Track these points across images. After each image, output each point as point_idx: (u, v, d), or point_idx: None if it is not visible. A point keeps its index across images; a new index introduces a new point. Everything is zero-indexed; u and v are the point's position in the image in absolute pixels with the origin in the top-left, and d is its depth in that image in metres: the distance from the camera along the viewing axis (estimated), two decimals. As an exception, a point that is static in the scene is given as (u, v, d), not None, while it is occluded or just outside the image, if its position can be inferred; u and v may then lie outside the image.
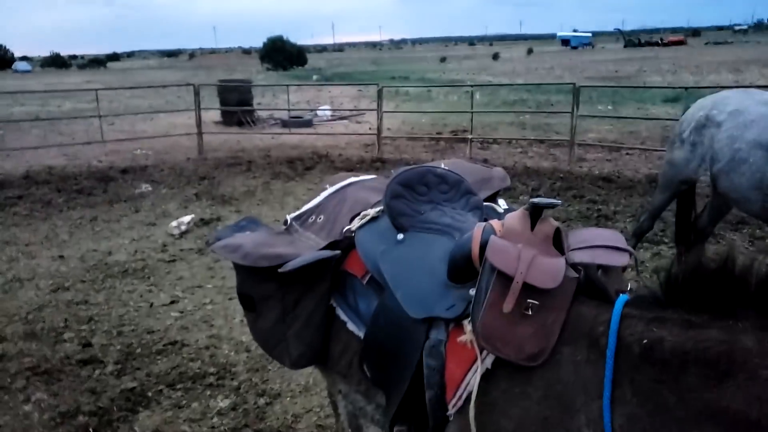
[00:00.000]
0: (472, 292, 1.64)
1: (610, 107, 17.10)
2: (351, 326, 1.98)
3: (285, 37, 52.37)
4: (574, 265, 1.59)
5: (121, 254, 6.47)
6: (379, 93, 12.09)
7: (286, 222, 2.34)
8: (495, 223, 1.69)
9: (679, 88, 13.47)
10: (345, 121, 16.76)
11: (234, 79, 19.89)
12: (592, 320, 1.47)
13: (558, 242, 1.63)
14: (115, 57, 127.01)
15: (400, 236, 1.93)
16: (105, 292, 5.48)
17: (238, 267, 2.14)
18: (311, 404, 3.73)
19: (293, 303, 2.03)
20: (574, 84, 11.15)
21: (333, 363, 2.10)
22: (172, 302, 5.24)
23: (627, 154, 11.28)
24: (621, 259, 1.66)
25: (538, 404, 1.50)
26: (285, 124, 15.43)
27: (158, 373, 4.07)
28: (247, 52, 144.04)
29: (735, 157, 4.14)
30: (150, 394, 3.82)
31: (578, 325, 1.49)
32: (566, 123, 11.46)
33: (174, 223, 7.22)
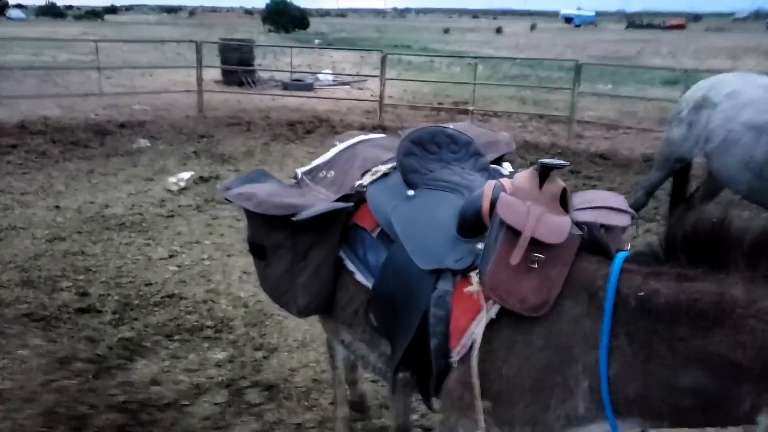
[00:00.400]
0: (481, 246, 1.71)
1: (610, 86, 17.07)
2: (359, 276, 2.04)
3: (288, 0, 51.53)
4: (578, 224, 1.65)
5: (118, 207, 6.47)
6: (383, 60, 12.00)
7: (296, 176, 2.38)
8: (505, 181, 1.75)
9: (679, 69, 13.45)
10: (347, 86, 16.63)
11: (236, 38, 19.57)
12: (593, 275, 1.55)
13: (564, 202, 1.69)
14: (112, 10, 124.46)
15: (411, 192, 1.99)
16: (102, 243, 5.51)
17: (250, 216, 2.19)
18: (308, 359, 3.82)
19: (303, 252, 2.08)
20: (576, 61, 11.13)
21: (338, 312, 2.17)
22: (170, 256, 5.28)
23: (624, 133, 11.33)
24: (623, 220, 1.74)
25: (538, 352, 1.58)
26: (286, 86, 15.31)
27: (156, 324, 4.13)
28: (249, 12, 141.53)
29: (728, 138, 4.22)
30: (148, 344, 3.89)
31: (580, 279, 1.56)
32: (566, 100, 11.46)
33: (173, 179, 7.22)
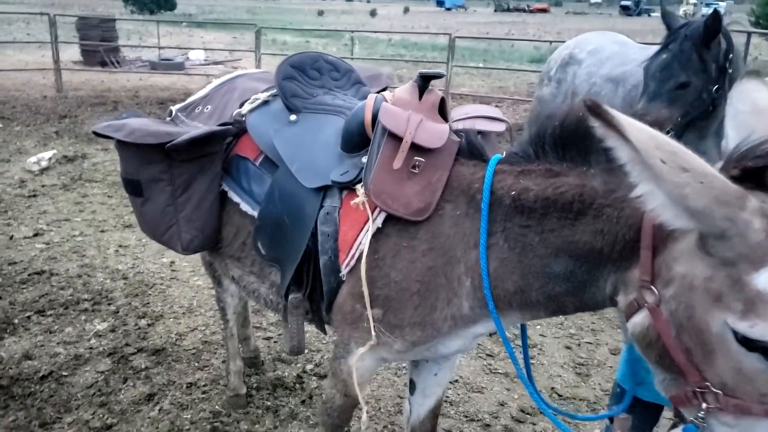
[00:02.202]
0: (365, 159, 1.75)
1: (481, 64, 17.90)
2: (245, 206, 2.01)
3: (151, -22, 48.19)
4: (456, 131, 1.74)
5: (-31, 190, 5.84)
6: (257, 34, 11.72)
7: (170, 113, 2.29)
8: (386, 93, 1.80)
9: (545, 41, 14.44)
10: (220, 65, 15.99)
11: (96, 15, 18.06)
12: (470, 178, 1.64)
13: (443, 111, 1.78)
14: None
15: (293, 117, 1.99)
16: (-48, 227, 4.95)
17: (122, 149, 2.06)
18: (196, 323, 3.71)
19: (184, 185, 2.01)
20: (450, 35, 11.54)
21: (226, 246, 2.13)
22: (36, 235, 4.86)
23: (497, 105, 11.96)
24: (498, 126, 1.86)
25: (423, 256, 1.65)
26: (154, 66, 14.37)
27: (24, 301, 3.81)
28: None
29: (591, 91, 4.59)
30: (16, 321, 3.58)
31: (458, 182, 1.65)
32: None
33: (33, 159, 6.61)
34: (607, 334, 3.91)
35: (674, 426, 1.39)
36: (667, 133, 1.16)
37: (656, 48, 3.49)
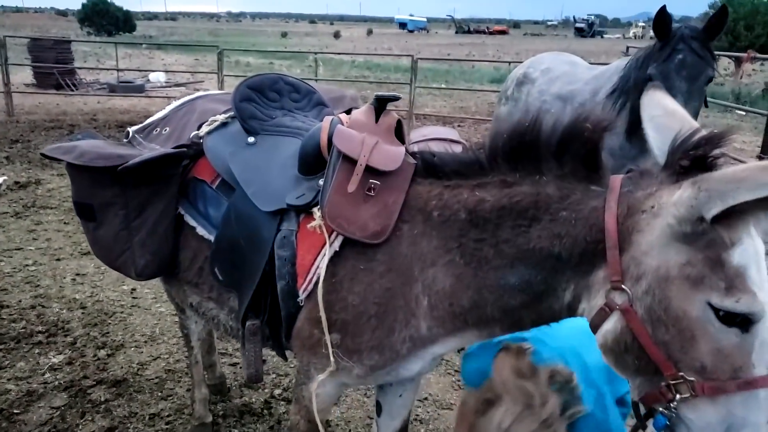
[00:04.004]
0: (321, 182, 1.72)
1: (443, 85, 18.18)
2: (201, 230, 1.97)
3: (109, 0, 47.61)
4: (413, 154, 1.74)
5: None
6: (220, 55, 11.67)
7: (127, 135, 2.24)
8: (342, 116, 1.80)
9: (503, 62, 14.75)
10: (182, 87, 15.84)
11: (50, 36, 17.68)
12: (426, 196, 1.63)
13: (399, 133, 1.78)
14: None
15: (251, 139, 1.96)
16: None
17: (73, 172, 1.99)
18: (159, 352, 3.61)
19: (138, 209, 1.96)
20: (412, 56, 11.69)
21: (183, 272, 2.07)
22: (-14, 265, 4.68)
23: (459, 125, 12.14)
24: (454, 148, 1.86)
25: (380, 278, 1.63)
26: (113, 89, 14.15)
27: (-28, 336, 3.64)
28: (62, 13, 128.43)
29: (542, 108, 4.72)
30: (-37, 357, 3.42)
31: (415, 202, 1.64)
32: (405, 96, 11.99)
33: (-19, 186, 6.40)
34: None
35: (635, 429, 1.41)
36: None
37: (604, 68, 3.67)
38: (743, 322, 1.17)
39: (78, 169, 1.94)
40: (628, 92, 3.62)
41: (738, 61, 15.28)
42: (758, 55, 12.89)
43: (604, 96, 3.87)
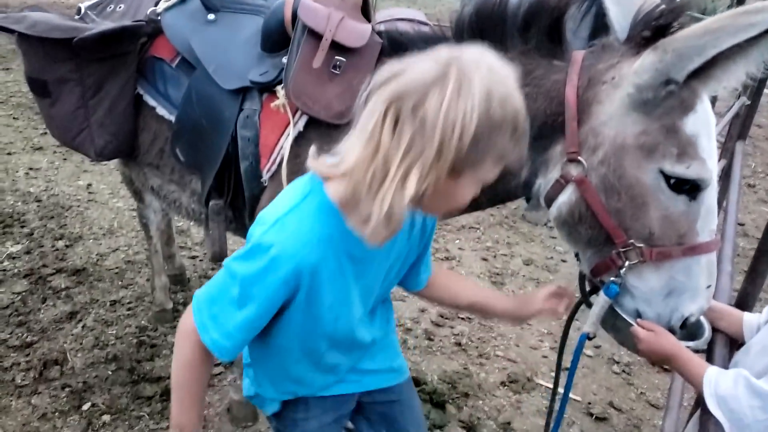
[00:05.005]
0: (285, 59, 1.70)
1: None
2: (161, 110, 1.94)
3: None
4: (379, 33, 1.72)
5: None
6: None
7: (78, 11, 2.13)
8: (308, -10, 1.74)
9: None
10: None
11: None
12: None
13: (366, 11, 1.75)
14: None
15: (212, 16, 1.90)
16: None
17: (25, 45, 1.90)
18: (117, 244, 3.62)
19: (95, 86, 1.90)
20: None
21: (143, 154, 2.06)
22: (-69, 157, 4.51)
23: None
24: (422, 29, 1.84)
25: None
26: None
27: (-77, 225, 3.57)
28: None
29: None
30: None
31: None
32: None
33: None
34: (521, 247, 4.15)
35: (579, 304, 1.52)
36: None
37: None
38: (692, 189, 1.25)
39: (30, 41, 1.86)
40: None
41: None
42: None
43: None
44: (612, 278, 1.35)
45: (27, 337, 2.75)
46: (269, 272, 1.06)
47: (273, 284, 1.07)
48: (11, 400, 2.41)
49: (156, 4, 1.99)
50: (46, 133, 4.85)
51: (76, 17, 2.12)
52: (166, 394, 2.48)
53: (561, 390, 1.59)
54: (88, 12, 2.11)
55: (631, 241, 1.29)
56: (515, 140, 0.98)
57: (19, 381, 2.50)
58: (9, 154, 4.73)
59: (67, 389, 2.49)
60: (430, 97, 0.92)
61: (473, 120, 0.91)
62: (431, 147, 0.92)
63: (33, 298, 3.01)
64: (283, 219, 1.07)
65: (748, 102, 4.33)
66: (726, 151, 4.19)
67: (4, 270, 3.22)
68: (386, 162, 0.96)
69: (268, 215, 1.10)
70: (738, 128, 4.26)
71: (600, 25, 1.41)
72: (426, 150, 0.93)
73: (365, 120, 0.99)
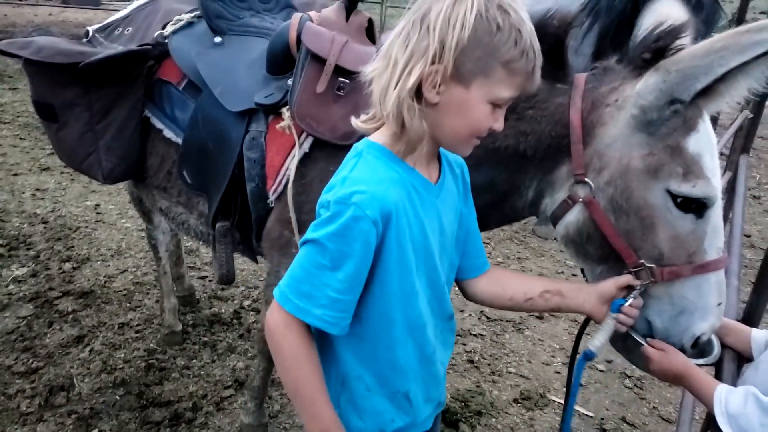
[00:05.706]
0: (290, 82, 1.71)
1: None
2: (168, 133, 1.94)
3: None
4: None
5: None
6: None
7: (86, 34, 2.14)
8: (312, 13, 1.75)
9: None
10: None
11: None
12: None
13: (370, 33, 1.75)
14: None
15: (218, 39, 1.91)
16: None
17: (31, 70, 1.91)
18: (125, 265, 3.61)
19: (103, 110, 1.91)
20: None
21: (151, 177, 2.06)
22: (-61, 180, 4.53)
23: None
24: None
25: None
26: (65, 0, 13.35)
27: (-70, 249, 3.57)
28: None
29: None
30: None
31: None
32: (376, 18, 11.64)
33: (-71, 99, 6.07)
34: (531, 262, 4.13)
35: (588, 321, 1.48)
36: None
37: None
38: (698, 207, 1.24)
39: (36, 66, 1.87)
40: (598, 13, 3.54)
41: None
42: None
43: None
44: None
45: (32, 362, 2.73)
46: (357, 220, 1.02)
47: (363, 230, 1.03)
48: (16, 429, 2.38)
49: (163, 27, 2.00)
50: (53, 153, 4.87)
51: (84, 40, 2.14)
52: (175, 419, 2.46)
53: (575, 407, 1.55)
54: (96, 35, 2.13)
55: (642, 261, 1.28)
56: (522, 51, 1.00)
57: (24, 408, 2.46)
58: (15, 174, 4.76)
59: (73, 416, 2.46)
60: (434, 8, 1.00)
61: (471, 16, 0.97)
62: (433, 44, 0.99)
63: (39, 323, 3.00)
64: (349, 176, 1.08)
65: (752, 115, 4.32)
66: (731, 164, 4.17)
67: (10, 294, 3.21)
68: (395, 66, 1.03)
69: (333, 183, 1.10)
70: (742, 141, 4.25)
71: (603, 44, 1.41)
72: (429, 48, 1.00)
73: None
